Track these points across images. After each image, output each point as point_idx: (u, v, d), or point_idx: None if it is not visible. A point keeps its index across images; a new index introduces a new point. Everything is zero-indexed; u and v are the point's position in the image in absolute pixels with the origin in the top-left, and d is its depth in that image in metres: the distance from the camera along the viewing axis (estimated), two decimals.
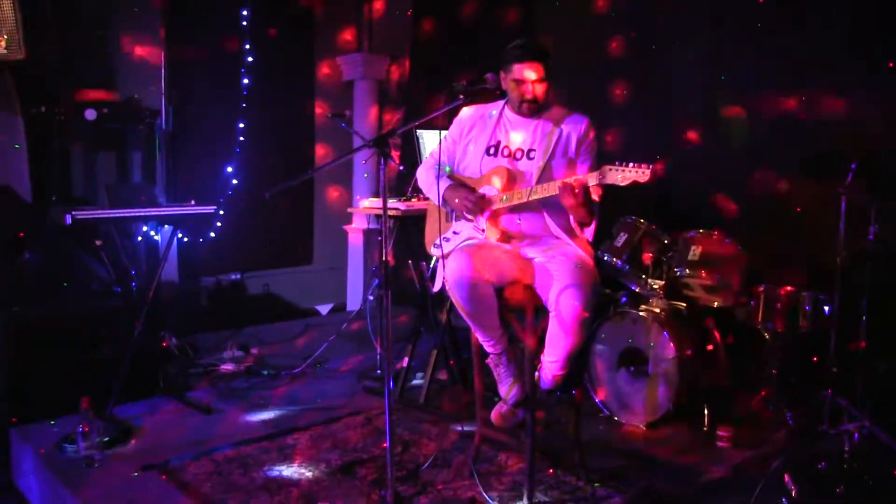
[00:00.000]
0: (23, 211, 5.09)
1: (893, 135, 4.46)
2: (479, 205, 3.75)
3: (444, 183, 3.87)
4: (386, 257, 3.22)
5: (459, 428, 4.39)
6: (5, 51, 4.61)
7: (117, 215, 4.74)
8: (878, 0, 4.53)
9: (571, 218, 3.61)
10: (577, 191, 3.38)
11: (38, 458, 4.02)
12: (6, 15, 4.57)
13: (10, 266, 4.78)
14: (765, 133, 5.02)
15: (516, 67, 3.67)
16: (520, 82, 3.68)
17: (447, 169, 3.96)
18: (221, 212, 6.39)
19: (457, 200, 3.79)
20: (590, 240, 3.78)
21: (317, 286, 7.95)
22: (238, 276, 7.29)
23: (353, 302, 7.78)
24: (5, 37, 4.58)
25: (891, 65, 4.44)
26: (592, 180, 3.39)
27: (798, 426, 4.09)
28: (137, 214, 4.87)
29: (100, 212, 4.68)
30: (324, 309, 7.89)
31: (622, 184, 3.29)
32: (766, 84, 5.03)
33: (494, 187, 3.73)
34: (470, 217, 3.80)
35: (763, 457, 3.93)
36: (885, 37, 4.50)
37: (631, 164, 3.25)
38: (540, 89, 3.70)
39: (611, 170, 3.30)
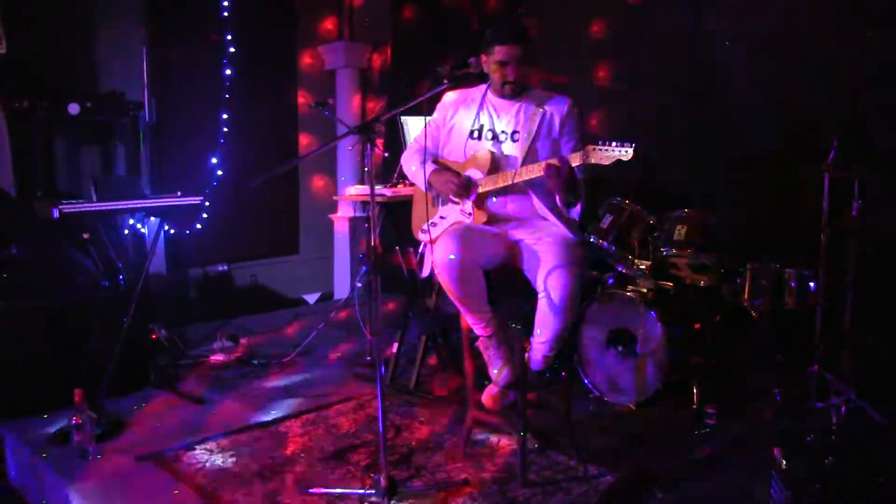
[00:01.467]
0: (8, 205, 5.07)
1: (875, 110, 4.50)
2: (465, 187, 3.77)
3: (430, 167, 3.89)
4: (374, 243, 3.23)
5: (454, 415, 4.41)
6: None
7: (104, 208, 4.74)
8: None
9: (558, 198, 3.63)
10: (561, 171, 3.41)
11: (33, 451, 4.01)
12: None
13: None
14: (747, 110, 5.05)
15: (497, 49, 3.69)
16: (501, 64, 3.70)
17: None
18: (207, 203, 6.38)
19: (442, 184, 3.81)
20: (577, 220, 3.80)
21: (304, 275, 7.96)
22: (225, 268, 7.28)
23: (341, 290, 7.79)
24: None
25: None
26: (576, 160, 3.41)
27: (786, 402, 4.13)
28: (124, 207, 4.88)
29: (87, 205, 4.67)
30: (311, 298, 7.89)
31: (606, 163, 3.31)
32: (745, 61, 5.08)
33: (479, 170, 3.75)
34: (456, 199, 3.82)
35: (752, 433, 3.98)
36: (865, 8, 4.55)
37: (614, 143, 3.27)
38: (521, 71, 3.72)
39: (594, 149, 3.32)
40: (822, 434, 3.76)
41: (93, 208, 4.69)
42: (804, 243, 4.23)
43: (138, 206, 4.96)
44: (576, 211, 3.72)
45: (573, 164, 3.42)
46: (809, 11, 4.77)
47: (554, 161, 3.44)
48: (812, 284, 4.19)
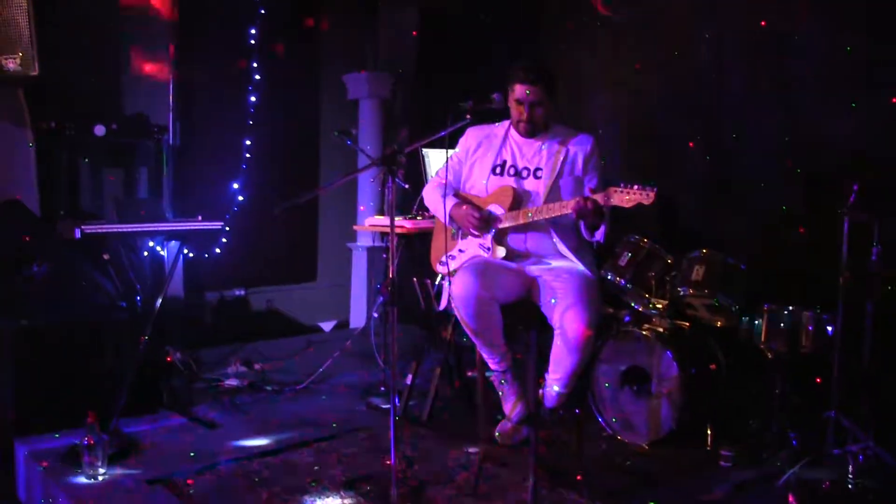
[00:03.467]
0: (31, 224, 5.11)
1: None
2: (485, 222, 3.78)
3: (451, 201, 3.90)
4: (393, 274, 3.25)
5: (466, 449, 4.39)
6: (19, 67, 4.66)
7: (126, 230, 4.78)
8: (874, 25, 4.59)
9: (583, 225, 3.64)
10: (590, 209, 3.42)
11: (43, 470, 4.03)
12: (22, 32, 4.62)
13: (19, 278, 4.79)
14: (767, 152, 5.05)
15: (518, 87, 3.74)
16: (519, 102, 3.74)
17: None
18: (227, 228, 6.41)
19: (463, 217, 3.83)
20: (601, 241, 3.80)
21: (320, 303, 7.97)
22: (242, 292, 7.31)
23: (356, 319, 7.79)
24: (20, 53, 4.63)
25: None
26: (598, 202, 3.42)
27: (802, 447, 4.09)
28: (146, 229, 4.92)
29: (109, 226, 4.72)
30: (326, 326, 7.90)
31: (627, 206, 3.33)
32: (768, 105, 5.08)
33: (501, 206, 3.77)
34: (476, 233, 3.83)
35: (766, 477, 3.95)
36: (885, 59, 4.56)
37: (636, 187, 3.29)
38: (538, 112, 3.75)
39: (616, 191, 3.34)
40: (837, 481, 3.73)
41: (115, 230, 4.73)
42: (822, 286, 4.21)
43: (160, 228, 5.00)
44: (600, 233, 3.72)
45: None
46: (829, 55, 4.79)
47: (582, 198, 3.46)
48: (830, 328, 4.16)
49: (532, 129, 3.81)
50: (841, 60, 4.72)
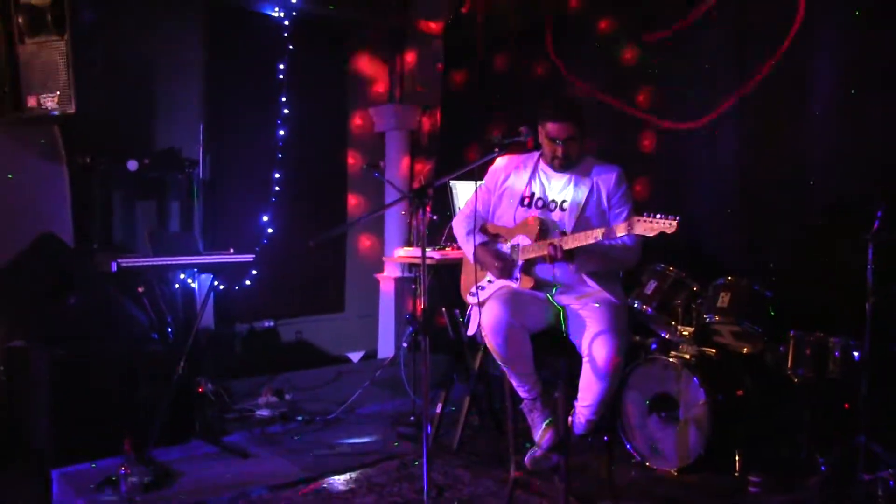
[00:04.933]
0: (66, 256, 5.22)
1: None
2: (507, 271, 3.85)
3: (478, 238, 3.96)
4: (425, 304, 3.31)
5: (497, 477, 4.42)
6: (57, 105, 4.79)
7: (161, 263, 4.86)
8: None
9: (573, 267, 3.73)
10: (559, 257, 3.60)
11: (80, 499, 4.09)
12: (60, 71, 4.76)
13: (56, 309, 4.89)
14: (791, 180, 5.08)
15: (550, 126, 3.79)
16: (552, 140, 3.79)
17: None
18: (258, 260, 6.49)
19: (485, 262, 3.92)
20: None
21: (349, 333, 8.02)
22: (272, 324, 7.38)
23: (385, 349, 7.83)
24: (58, 93, 4.76)
25: None
26: (621, 231, 3.47)
27: (831, 472, 4.09)
28: (180, 262, 5.00)
29: (144, 259, 4.80)
30: (355, 356, 7.94)
31: (650, 234, 3.37)
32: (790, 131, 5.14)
33: (528, 237, 3.82)
34: (501, 278, 3.90)
35: (796, 503, 3.95)
36: None
37: (659, 216, 3.33)
38: (572, 148, 3.81)
39: (639, 221, 3.38)
40: None
41: (150, 263, 4.82)
42: (849, 312, 4.23)
43: (193, 262, 5.09)
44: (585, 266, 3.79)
45: (618, 234, 3.48)
46: (849, 80, 4.84)
47: (555, 241, 3.63)
48: (856, 354, 4.18)
49: (567, 165, 3.87)
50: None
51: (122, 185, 6.05)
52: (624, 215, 3.79)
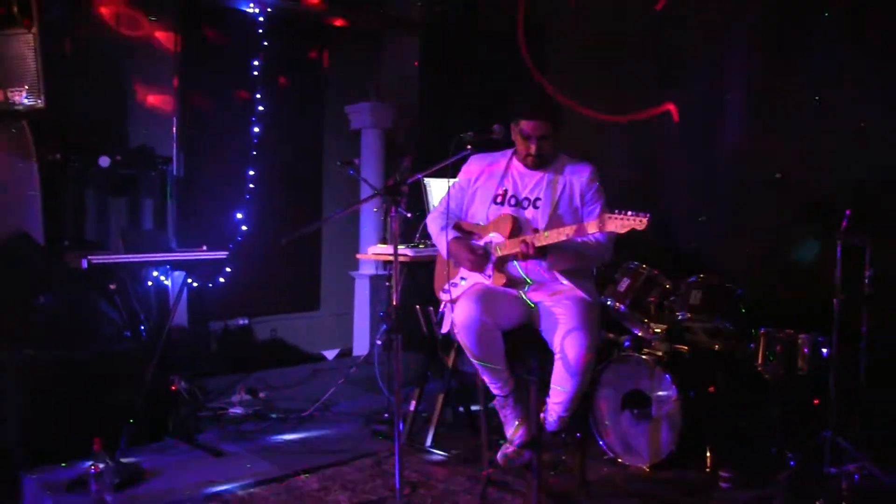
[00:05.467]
0: (36, 255, 5.18)
1: (886, 180, 4.57)
2: (481, 263, 3.85)
3: (451, 234, 3.96)
4: (397, 302, 3.31)
5: (470, 474, 4.43)
6: (26, 100, 4.75)
7: (133, 260, 4.84)
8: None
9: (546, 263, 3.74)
10: (531, 254, 3.61)
11: (51, 500, 4.06)
12: (29, 66, 4.72)
13: (25, 309, 4.85)
14: (762, 179, 5.12)
15: (524, 124, 3.79)
16: (526, 137, 3.80)
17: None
18: (231, 257, 6.47)
19: (459, 255, 3.91)
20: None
21: (324, 331, 8.01)
22: (246, 322, 7.36)
23: (360, 347, 7.83)
24: (26, 87, 4.72)
25: None
26: (592, 228, 3.48)
27: (800, 467, 4.13)
28: (152, 259, 4.98)
29: (115, 256, 4.77)
30: (330, 354, 7.94)
31: (621, 231, 3.38)
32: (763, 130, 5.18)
33: (501, 234, 3.83)
34: (474, 271, 3.91)
35: (765, 498, 3.99)
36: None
37: (629, 213, 3.35)
38: (546, 146, 3.82)
39: (610, 218, 3.39)
40: (833, 500, 3.78)
41: (121, 260, 4.79)
42: (818, 309, 4.27)
43: (165, 259, 5.07)
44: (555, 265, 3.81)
45: (590, 232, 3.50)
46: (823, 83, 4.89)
47: (527, 238, 3.64)
48: (825, 350, 4.22)
49: (541, 163, 3.87)
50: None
51: (95, 183, 6.01)
52: (596, 212, 3.79)
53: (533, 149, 3.80)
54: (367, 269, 7.82)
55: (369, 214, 7.83)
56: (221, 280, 6.70)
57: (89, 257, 4.58)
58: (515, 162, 3.96)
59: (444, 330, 3.96)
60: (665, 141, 5.69)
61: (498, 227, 3.86)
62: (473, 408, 5.21)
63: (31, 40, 4.74)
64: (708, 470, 4.40)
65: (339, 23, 7.79)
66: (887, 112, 4.64)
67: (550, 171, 3.87)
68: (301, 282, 8.01)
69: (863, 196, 4.40)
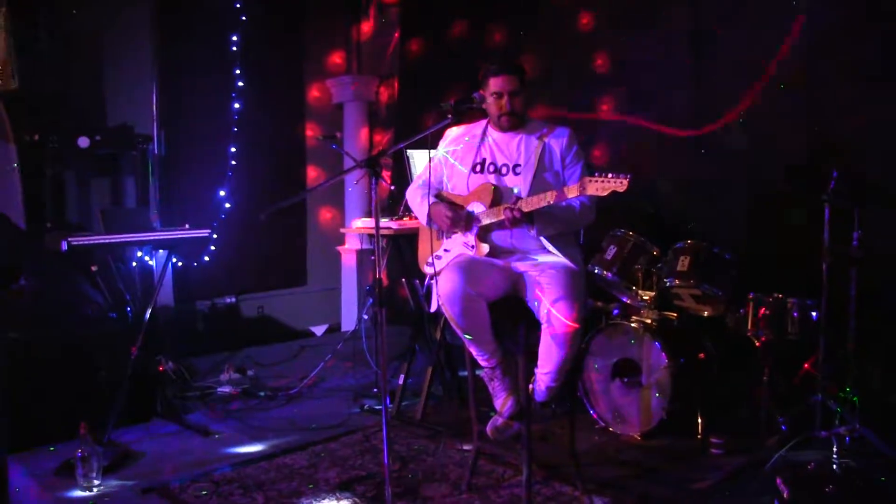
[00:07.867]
0: (17, 237, 5.13)
1: (874, 142, 4.54)
2: (458, 221, 3.81)
3: (431, 201, 3.92)
4: (379, 276, 3.27)
5: (459, 447, 4.42)
6: None
7: (113, 241, 4.79)
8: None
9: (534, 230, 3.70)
10: (518, 217, 3.57)
11: (38, 483, 4.04)
12: (0, 46, 4.63)
13: (7, 292, 4.80)
14: (749, 142, 5.09)
15: (492, 81, 3.78)
16: (497, 95, 3.78)
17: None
18: (215, 235, 6.43)
19: (437, 217, 3.87)
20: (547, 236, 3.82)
21: (311, 307, 7.98)
22: (233, 299, 7.32)
23: (348, 322, 7.81)
24: None
25: None
26: (573, 192, 3.45)
27: (791, 431, 4.12)
28: (134, 239, 4.93)
29: (96, 237, 4.72)
30: (318, 330, 7.91)
31: (602, 194, 3.35)
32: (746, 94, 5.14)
33: (482, 203, 3.79)
34: (454, 231, 3.86)
35: (756, 462, 3.98)
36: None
37: (610, 175, 3.31)
38: (517, 102, 3.79)
39: (591, 181, 3.35)
40: (824, 462, 3.77)
41: (102, 241, 4.74)
42: (806, 273, 4.25)
43: (147, 238, 5.01)
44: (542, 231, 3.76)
45: (570, 196, 3.46)
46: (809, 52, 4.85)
47: (511, 205, 3.60)
48: (814, 314, 4.20)
49: (515, 121, 3.84)
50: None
51: (75, 164, 5.96)
52: (577, 175, 3.77)
53: (505, 105, 3.78)
54: (353, 244, 7.79)
55: (354, 188, 7.79)
56: (206, 258, 6.66)
57: (69, 239, 4.54)
58: (491, 129, 3.92)
59: (433, 307, 3.91)
60: (646, 103, 5.66)
61: (479, 196, 3.81)
62: (462, 380, 5.19)
63: (1, 21, 4.66)
64: (699, 436, 4.40)
65: None
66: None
67: (527, 135, 3.84)
68: (287, 258, 7.97)
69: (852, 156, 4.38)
